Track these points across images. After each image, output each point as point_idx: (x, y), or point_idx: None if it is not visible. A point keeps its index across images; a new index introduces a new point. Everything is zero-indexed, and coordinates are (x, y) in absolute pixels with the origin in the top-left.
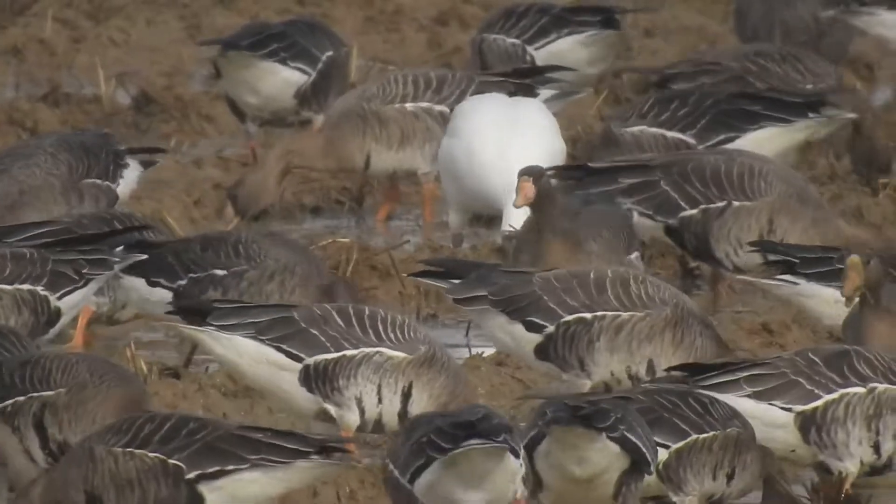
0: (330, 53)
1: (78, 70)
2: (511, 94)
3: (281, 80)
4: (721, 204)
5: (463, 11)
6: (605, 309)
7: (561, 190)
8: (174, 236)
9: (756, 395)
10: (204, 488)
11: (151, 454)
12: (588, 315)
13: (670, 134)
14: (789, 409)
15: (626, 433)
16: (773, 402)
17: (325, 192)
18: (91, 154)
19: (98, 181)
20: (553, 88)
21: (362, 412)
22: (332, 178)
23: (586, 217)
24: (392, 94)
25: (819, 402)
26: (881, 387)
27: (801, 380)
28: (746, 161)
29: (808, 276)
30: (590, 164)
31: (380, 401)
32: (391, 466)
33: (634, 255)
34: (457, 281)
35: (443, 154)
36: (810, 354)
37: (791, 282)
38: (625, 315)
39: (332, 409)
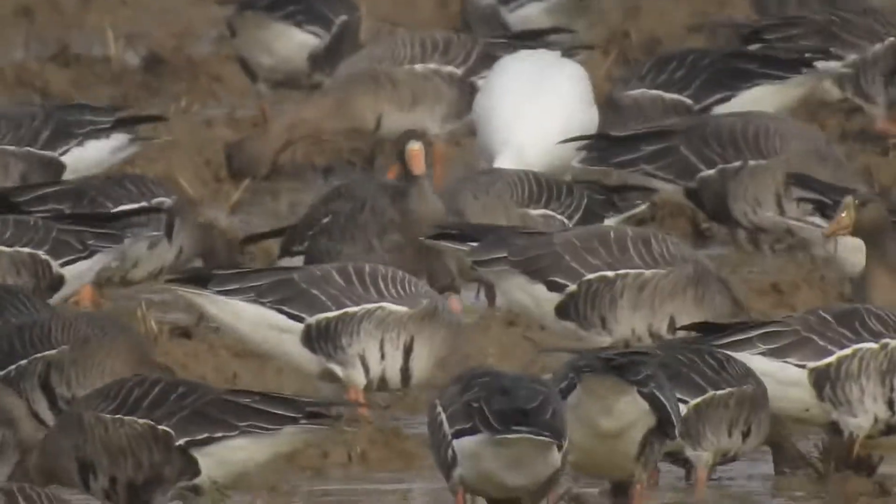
0: (344, 17)
1: (88, 31)
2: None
3: (296, 42)
4: (737, 164)
5: None
6: (627, 267)
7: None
8: (186, 196)
9: (770, 353)
10: (195, 453)
11: (141, 420)
12: (611, 273)
13: (668, 95)
14: (803, 366)
15: (655, 391)
16: (786, 360)
17: (336, 152)
18: (26, 125)
19: (36, 150)
20: (554, 49)
21: (366, 370)
22: (343, 139)
23: None
24: (401, 56)
25: (832, 358)
26: (894, 342)
27: (813, 336)
28: (762, 121)
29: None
30: (612, 133)
31: (383, 357)
32: (439, 408)
33: None
34: (474, 243)
35: (473, 108)
36: (821, 312)
37: (818, 224)
38: (648, 273)
39: (336, 368)
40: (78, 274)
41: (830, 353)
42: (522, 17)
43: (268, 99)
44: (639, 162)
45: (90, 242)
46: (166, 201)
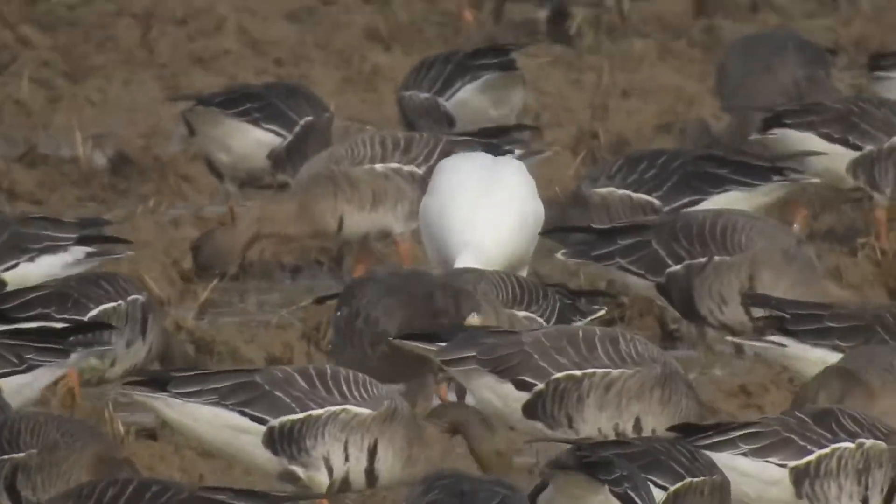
0: (309, 118)
1: (55, 130)
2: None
3: (252, 140)
4: (702, 260)
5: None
6: (595, 366)
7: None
8: (153, 296)
9: (752, 453)
10: None
11: None
12: (578, 372)
13: (637, 196)
14: (784, 465)
15: (629, 491)
16: (768, 459)
17: (304, 251)
18: None
19: None
20: (520, 147)
21: (330, 471)
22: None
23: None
24: (361, 156)
25: (812, 457)
26: (869, 442)
27: (793, 437)
28: (732, 218)
29: (798, 334)
30: (592, 226)
31: (346, 459)
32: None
33: None
34: (442, 343)
35: (420, 211)
36: (798, 413)
37: (779, 343)
38: (615, 372)
39: (299, 470)
40: (17, 388)
41: (810, 452)
42: (459, 102)
43: (236, 198)
44: (615, 256)
45: (28, 357)
46: (140, 298)
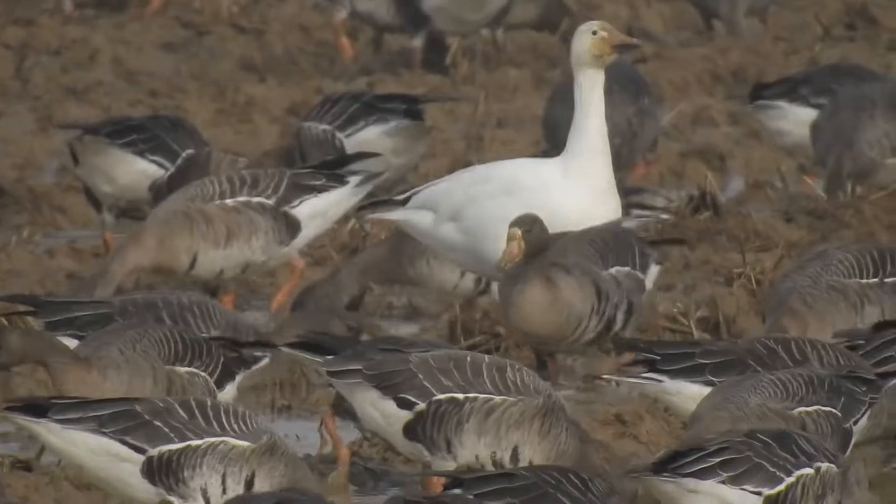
0: (190, 151)
1: None
2: (321, 186)
3: (137, 170)
4: None
5: (315, 103)
6: (478, 391)
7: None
8: (27, 329)
9: (730, 480)
10: None
11: None
12: (460, 395)
13: None
14: (759, 493)
15: None
16: (744, 487)
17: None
18: None
19: None
20: (360, 175)
21: (207, 502)
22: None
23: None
24: (211, 193)
25: (782, 486)
26: (824, 466)
27: (763, 462)
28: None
29: (671, 373)
30: None
31: (224, 490)
32: None
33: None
34: (330, 356)
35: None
36: (760, 436)
37: (656, 379)
38: (497, 399)
39: (176, 500)
40: None
41: (781, 480)
42: (360, 141)
43: (112, 229)
44: None
45: None
46: None
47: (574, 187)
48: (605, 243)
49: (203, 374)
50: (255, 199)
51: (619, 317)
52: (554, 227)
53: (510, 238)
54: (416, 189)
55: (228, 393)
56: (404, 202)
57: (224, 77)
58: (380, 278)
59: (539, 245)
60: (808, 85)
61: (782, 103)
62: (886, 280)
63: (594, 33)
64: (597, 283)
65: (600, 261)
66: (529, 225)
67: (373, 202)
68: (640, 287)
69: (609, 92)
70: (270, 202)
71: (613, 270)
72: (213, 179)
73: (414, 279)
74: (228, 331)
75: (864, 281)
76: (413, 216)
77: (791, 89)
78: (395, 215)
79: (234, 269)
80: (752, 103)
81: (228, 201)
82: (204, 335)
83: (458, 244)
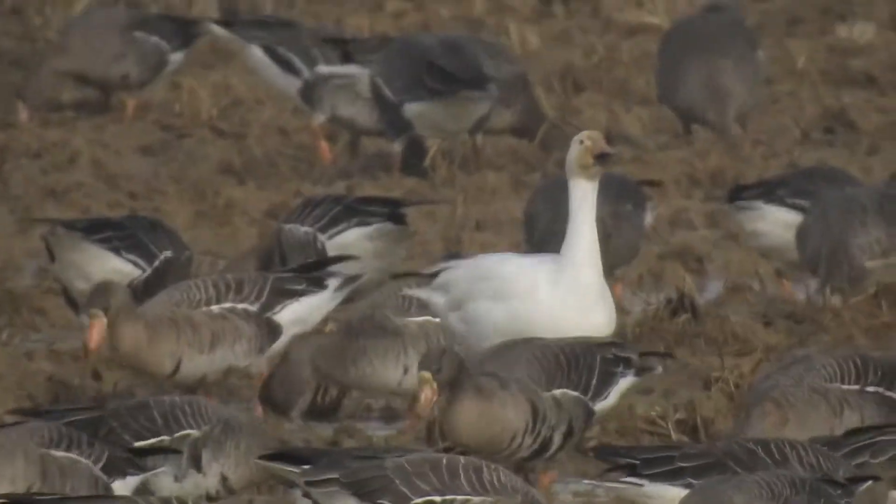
0: (168, 253)
1: None
2: (302, 290)
3: (112, 268)
4: None
5: (296, 205)
6: (456, 493)
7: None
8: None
9: None
10: None
11: None
12: (438, 498)
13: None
14: None
15: None
16: None
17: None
18: None
19: None
20: (338, 278)
21: None
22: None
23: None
24: (197, 299)
25: None
26: None
27: None
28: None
29: (651, 477)
30: None
31: None
32: None
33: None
34: (306, 466)
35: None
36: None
37: (636, 483)
38: (476, 499)
39: None
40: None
41: None
42: (342, 243)
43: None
44: None
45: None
46: None
47: (563, 296)
48: (558, 362)
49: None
50: (240, 306)
51: (556, 438)
52: (542, 335)
53: (421, 383)
54: (445, 265)
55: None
56: (432, 277)
57: (203, 179)
58: (323, 368)
59: (455, 371)
60: (785, 186)
61: (760, 204)
62: (867, 389)
63: (581, 143)
64: (533, 402)
65: (545, 380)
66: (437, 363)
67: (406, 272)
68: (587, 412)
69: None
70: (254, 308)
71: (558, 392)
72: (198, 284)
73: (354, 380)
74: (218, 427)
75: (846, 387)
76: (432, 296)
77: (769, 191)
78: (421, 293)
79: (217, 374)
80: (730, 203)
81: (214, 308)
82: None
83: (460, 333)
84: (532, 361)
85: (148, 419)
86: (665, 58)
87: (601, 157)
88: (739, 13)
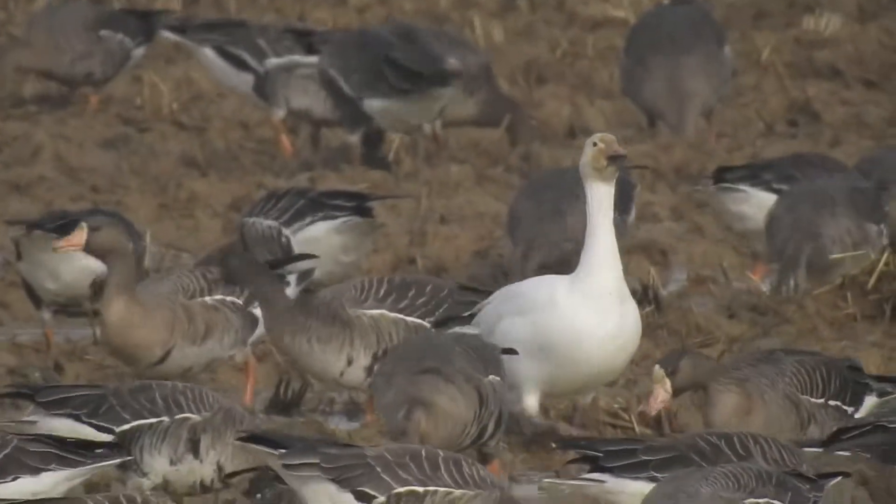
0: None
1: None
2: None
3: (80, 267)
4: None
5: (258, 198)
6: (437, 485)
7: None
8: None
9: None
10: None
11: None
12: (420, 488)
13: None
14: None
15: None
16: None
17: None
18: None
19: None
20: (295, 275)
21: None
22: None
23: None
24: (192, 290)
25: None
26: None
27: None
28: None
29: (614, 470)
30: None
31: None
32: None
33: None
34: (284, 450)
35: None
36: None
37: (598, 480)
38: (457, 492)
39: None
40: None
41: None
42: (307, 237)
43: (51, 325)
44: None
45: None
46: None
47: (581, 301)
48: (478, 352)
49: None
50: (229, 298)
51: (491, 426)
52: (565, 344)
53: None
54: (480, 305)
55: None
56: (469, 319)
57: (165, 173)
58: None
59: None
60: (771, 170)
61: (745, 187)
62: (830, 402)
63: (594, 145)
64: (479, 390)
65: (482, 367)
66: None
67: (448, 318)
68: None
69: (570, 193)
70: (240, 301)
71: (491, 377)
72: (189, 275)
73: (289, 350)
74: (219, 415)
75: (813, 400)
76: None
77: (755, 174)
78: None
79: (201, 367)
80: (714, 185)
81: (208, 299)
82: None
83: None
84: (466, 352)
85: (149, 400)
86: (631, 52)
87: (614, 159)
88: (707, 5)
